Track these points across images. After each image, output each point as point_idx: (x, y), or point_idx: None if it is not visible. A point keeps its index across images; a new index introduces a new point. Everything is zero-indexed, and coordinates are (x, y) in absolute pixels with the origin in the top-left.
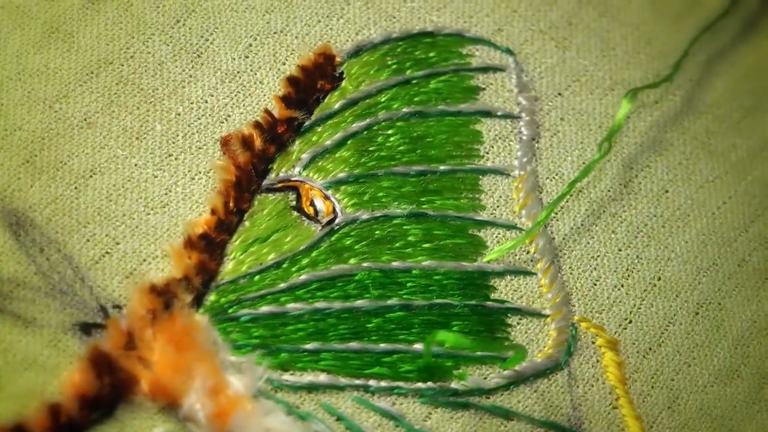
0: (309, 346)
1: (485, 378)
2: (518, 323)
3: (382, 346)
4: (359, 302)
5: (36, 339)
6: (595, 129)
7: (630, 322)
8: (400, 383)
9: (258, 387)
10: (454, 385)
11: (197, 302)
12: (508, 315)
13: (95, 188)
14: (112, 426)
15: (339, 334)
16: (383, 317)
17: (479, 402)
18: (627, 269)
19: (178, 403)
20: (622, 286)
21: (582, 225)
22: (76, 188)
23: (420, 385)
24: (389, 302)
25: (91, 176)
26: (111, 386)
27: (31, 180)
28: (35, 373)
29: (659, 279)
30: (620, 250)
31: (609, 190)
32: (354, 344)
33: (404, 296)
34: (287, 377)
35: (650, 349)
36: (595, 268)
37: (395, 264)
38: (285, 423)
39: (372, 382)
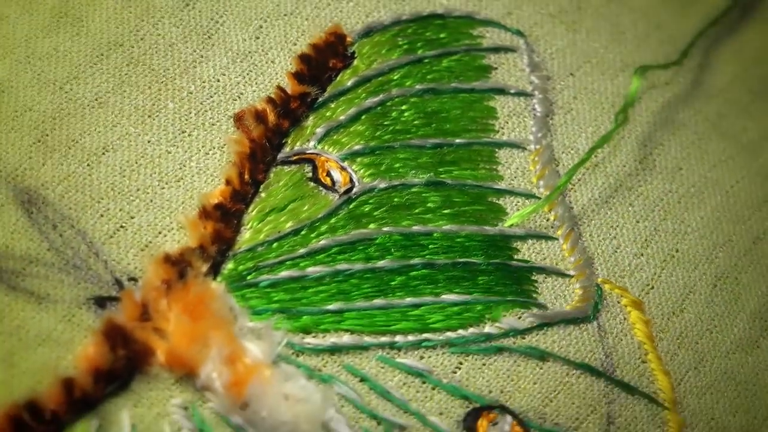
0: (331, 306)
1: (519, 318)
2: (544, 280)
3: (408, 300)
4: (381, 263)
5: (50, 315)
6: (607, 107)
7: (652, 288)
8: (428, 335)
9: (278, 352)
10: (487, 329)
11: (214, 271)
12: (533, 273)
13: (108, 165)
14: (128, 398)
15: (363, 292)
16: (407, 275)
17: (514, 344)
18: (646, 240)
19: (194, 373)
20: (642, 254)
21: (600, 197)
22: (88, 165)
23: (450, 334)
24: (412, 261)
25: (103, 153)
26: (126, 358)
27: (43, 158)
28: (49, 348)
29: (677, 251)
30: (638, 222)
31: (625, 165)
32: (379, 301)
33: (427, 257)
34: (309, 340)
35: (673, 313)
36: (614, 237)
37: (416, 228)
38: (305, 388)
39: (398, 338)
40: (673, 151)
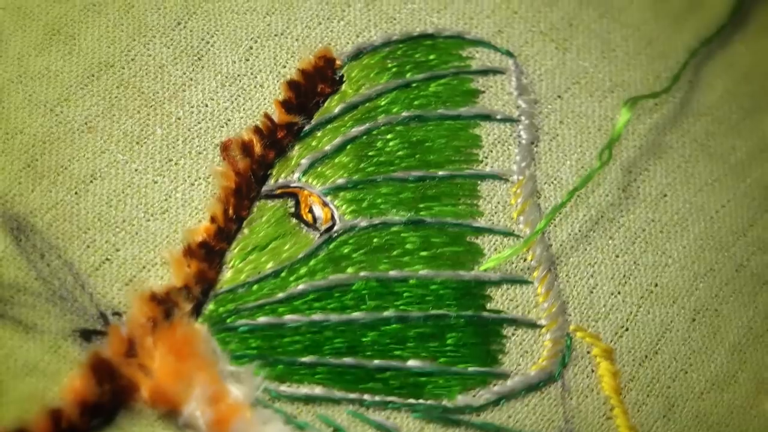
0: (305, 359)
1: (474, 396)
2: (513, 334)
3: (376, 362)
4: (356, 314)
5: (37, 345)
6: (594, 132)
7: (626, 329)
8: (394, 398)
9: (256, 396)
10: (444, 402)
11: (196, 311)
12: (504, 325)
13: (95, 194)
14: None
15: (334, 348)
16: (379, 330)
17: (470, 419)
18: (624, 276)
19: (178, 411)
20: (619, 293)
21: (580, 231)
22: (76, 193)
23: (412, 401)
24: (385, 314)
25: (91, 181)
26: (111, 393)
27: (32, 185)
28: (36, 378)
29: (656, 285)
30: (617, 257)
31: (607, 195)
32: (348, 359)
33: (400, 307)
34: (284, 388)
35: (646, 356)
36: (592, 276)
37: (392, 273)
38: (283, 431)
39: (366, 396)
40: (659, 177)
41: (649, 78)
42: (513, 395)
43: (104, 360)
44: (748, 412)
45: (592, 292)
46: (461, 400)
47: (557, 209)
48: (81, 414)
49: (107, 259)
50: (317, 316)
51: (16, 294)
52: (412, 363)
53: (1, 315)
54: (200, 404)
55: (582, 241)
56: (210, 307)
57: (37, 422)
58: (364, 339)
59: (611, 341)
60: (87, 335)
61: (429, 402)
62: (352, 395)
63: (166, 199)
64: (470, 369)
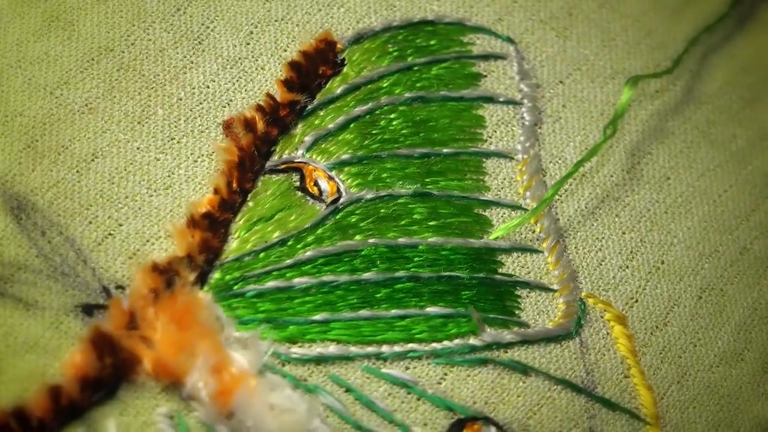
0: (317, 317)
1: (501, 332)
2: (527, 296)
3: (394, 311)
4: (367, 275)
5: (37, 321)
6: (596, 116)
7: (636, 301)
8: (414, 345)
9: (264, 362)
10: (471, 341)
11: (201, 280)
12: (517, 288)
13: (97, 171)
14: (115, 407)
15: (349, 303)
16: (392, 288)
17: (498, 357)
18: (631, 251)
19: (181, 382)
20: (627, 267)
21: (586, 208)
22: (78, 172)
23: (435, 345)
24: (397, 274)
25: (93, 160)
26: (113, 367)
27: (33, 164)
28: (36, 355)
29: (663, 263)
30: (624, 233)
31: (612, 176)
32: (364, 312)
33: (412, 269)
34: (295, 350)
35: (657, 327)
36: (600, 249)
37: (402, 240)
38: (290, 398)
39: (384, 348)
40: (662, 161)
41: (650, 67)
42: (535, 341)
43: (105, 334)
44: (756, 389)
45: (601, 264)
46: (488, 335)
47: (564, 179)
48: (82, 389)
49: (110, 234)
50: (327, 278)
51: (17, 272)
52: (431, 309)
53: (2, 293)
54: (203, 375)
55: (589, 217)
56: (216, 275)
57: (37, 400)
58: (377, 295)
59: (622, 310)
60: (89, 310)
61: (453, 343)
62: (370, 348)
63: (168, 176)
64: (491, 315)
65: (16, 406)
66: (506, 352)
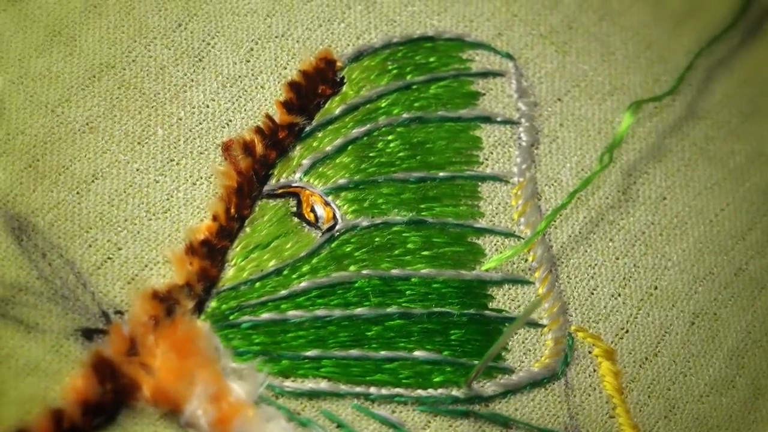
0: (310, 353)
1: (483, 386)
2: (516, 333)
3: (383, 353)
4: (359, 310)
5: (38, 344)
6: (594, 135)
7: (626, 331)
8: (401, 390)
9: (259, 393)
10: (454, 392)
11: (198, 309)
12: (506, 324)
13: (97, 193)
14: None
15: (339, 341)
16: (383, 325)
17: (479, 410)
18: (624, 278)
19: (179, 410)
20: (619, 295)
21: (580, 233)
22: (78, 193)
23: (420, 392)
24: (389, 310)
25: (93, 181)
26: (113, 392)
27: (34, 185)
28: (37, 378)
29: (656, 288)
30: (618, 259)
31: (607, 198)
32: (354, 351)
33: (403, 304)
34: (288, 384)
35: (646, 358)
36: (592, 277)
37: (395, 272)
38: (286, 430)
39: (372, 390)
40: (658, 180)
41: (649, 81)
42: (519, 389)
43: (106, 359)
44: (747, 417)
45: (592, 294)
46: (471, 389)
47: (557, 210)
48: (83, 414)
49: (109, 258)
50: (320, 312)
51: (18, 294)
52: (419, 353)
53: (3, 315)
54: (202, 403)
55: (582, 242)
56: (212, 304)
57: (39, 422)
58: (368, 333)
59: (612, 342)
60: (89, 334)
61: (438, 392)
62: (358, 388)
63: (167, 199)
64: (476, 362)
65: (18, 428)
66: (487, 405)
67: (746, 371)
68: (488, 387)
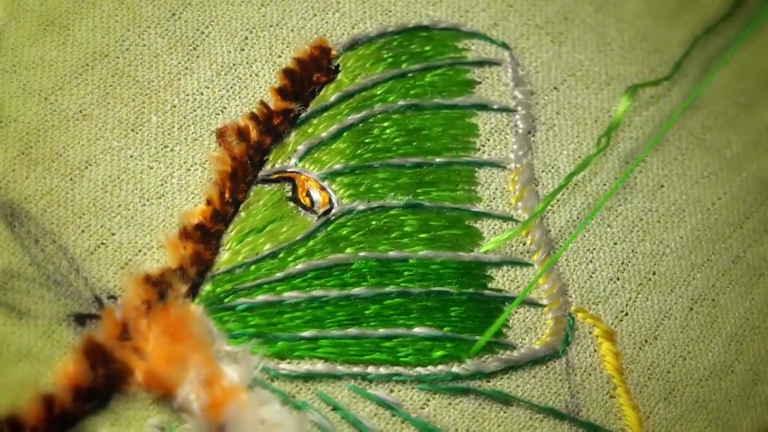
0: (306, 333)
1: (484, 361)
2: (516, 312)
3: (381, 331)
4: (356, 290)
5: (30, 330)
6: (590, 123)
7: (626, 314)
8: (399, 369)
9: (254, 376)
10: (455, 369)
11: (193, 292)
12: (506, 303)
13: (90, 180)
14: (107, 417)
15: (337, 320)
16: (381, 304)
17: (479, 387)
18: (622, 263)
19: (172, 394)
20: (618, 279)
21: (578, 218)
22: (71, 179)
23: (420, 370)
24: (387, 289)
25: (86, 168)
26: (105, 377)
27: (26, 171)
28: (29, 364)
29: (654, 273)
30: (615, 244)
31: (605, 185)
32: (352, 330)
33: (401, 284)
34: (284, 366)
35: (646, 341)
36: (591, 261)
37: (392, 253)
38: (280, 413)
39: (370, 369)
40: (655, 168)
41: (645, 72)
42: (520, 366)
43: (98, 344)
44: (746, 402)
45: (591, 277)
46: (471, 364)
47: (555, 192)
48: (74, 399)
49: (102, 243)
50: (317, 292)
51: (10, 280)
52: (418, 330)
53: None
54: (195, 387)
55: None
56: (207, 287)
57: (31, 408)
58: (366, 312)
59: (612, 324)
60: (81, 319)
61: (438, 369)
62: (356, 368)
63: (161, 185)
64: (477, 337)
65: (9, 413)
66: (488, 381)
67: (745, 357)
68: (490, 362)
